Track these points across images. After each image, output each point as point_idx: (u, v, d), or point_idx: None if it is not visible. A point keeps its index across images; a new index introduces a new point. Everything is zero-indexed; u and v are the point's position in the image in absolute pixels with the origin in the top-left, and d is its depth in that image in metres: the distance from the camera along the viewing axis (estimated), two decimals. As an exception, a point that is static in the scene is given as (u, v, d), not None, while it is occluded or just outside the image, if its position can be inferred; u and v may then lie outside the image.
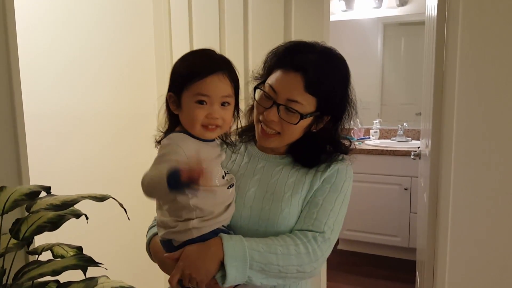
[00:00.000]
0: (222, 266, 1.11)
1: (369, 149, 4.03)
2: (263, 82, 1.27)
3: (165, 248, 1.22)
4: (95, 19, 2.42)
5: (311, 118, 1.24)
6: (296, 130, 1.23)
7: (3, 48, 1.49)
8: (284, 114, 1.21)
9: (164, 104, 1.23)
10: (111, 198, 1.35)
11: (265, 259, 1.13)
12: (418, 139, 4.29)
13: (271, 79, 1.24)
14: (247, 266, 1.11)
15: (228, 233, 1.20)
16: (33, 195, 1.27)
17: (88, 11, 2.38)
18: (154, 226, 1.33)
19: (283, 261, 1.14)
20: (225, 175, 1.23)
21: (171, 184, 0.97)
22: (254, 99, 1.29)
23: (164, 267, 1.26)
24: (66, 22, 2.27)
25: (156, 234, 1.29)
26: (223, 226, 1.21)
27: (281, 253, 1.15)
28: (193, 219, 1.14)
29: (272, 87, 1.22)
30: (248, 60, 2.39)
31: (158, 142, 1.23)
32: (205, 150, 1.18)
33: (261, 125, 1.26)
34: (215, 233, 1.17)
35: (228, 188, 1.22)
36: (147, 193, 1.06)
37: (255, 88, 1.29)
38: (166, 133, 1.23)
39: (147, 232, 1.38)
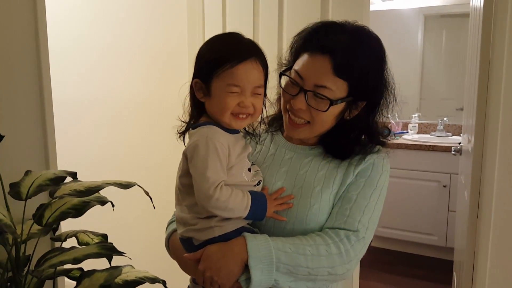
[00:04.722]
0: (246, 269, 1.04)
1: (407, 144, 3.90)
2: (290, 68, 1.19)
3: (184, 247, 1.16)
4: (128, 8, 2.40)
5: (343, 104, 1.14)
6: (327, 118, 1.14)
7: (33, 37, 1.48)
8: (312, 101, 1.12)
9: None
10: (136, 186, 1.32)
11: (293, 260, 1.05)
12: (458, 135, 4.14)
13: (297, 64, 1.15)
14: (273, 268, 1.04)
15: (253, 232, 1.13)
16: (58, 180, 1.25)
17: (121, 1, 2.36)
18: (174, 221, 1.27)
19: (312, 263, 1.06)
20: (250, 167, 1.17)
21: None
22: (280, 86, 1.20)
23: (184, 267, 1.20)
24: (98, 11, 2.26)
25: (175, 230, 1.23)
26: (247, 223, 1.15)
27: (310, 254, 1.06)
28: (215, 216, 1.08)
29: (298, 73, 1.13)
30: (282, 50, 2.32)
31: (182, 134, 1.18)
32: (235, 145, 1.13)
33: (289, 115, 1.18)
34: (238, 231, 1.10)
35: (255, 185, 1.15)
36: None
37: (280, 75, 1.21)
38: (189, 123, 1.17)
39: (166, 228, 1.32)
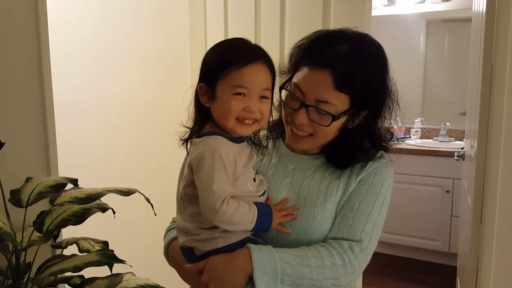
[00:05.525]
0: (250, 280, 1.03)
1: (410, 149, 3.89)
2: (290, 79, 1.16)
3: (185, 257, 1.14)
4: (130, 11, 2.40)
5: (346, 116, 1.11)
6: (329, 130, 1.11)
7: (34, 39, 1.48)
8: (314, 115, 1.09)
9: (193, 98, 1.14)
10: (137, 193, 1.31)
11: (298, 272, 1.03)
12: (461, 140, 4.13)
13: (297, 78, 1.11)
14: (278, 280, 1.02)
15: (256, 242, 1.11)
16: (58, 187, 1.24)
17: (123, 3, 2.36)
18: (173, 228, 1.25)
19: (317, 275, 1.05)
20: (255, 176, 1.14)
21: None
22: (281, 99, 1.17)
23: (185, 276, 1.18)
24: (100, 15, 2.26)
25: (175, 238, 1.21)
26: (251, 234, 1.12)
27: (315, 266, 1.05)
28: (219, 227, 1.05)
29: (299, 87, 1.10)
30: (283, 56, 2.32)
31: (185, 141, 1.15)
32: (241, 155, 1.10)
33: (291, 127, 1.15)
34: (242, 242, 1.08)
35: (260, 196, 1.13)
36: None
37: (280, 88, 1.17)
38: (193, 130, 1.14)
39: (165, 235, 1.30)
